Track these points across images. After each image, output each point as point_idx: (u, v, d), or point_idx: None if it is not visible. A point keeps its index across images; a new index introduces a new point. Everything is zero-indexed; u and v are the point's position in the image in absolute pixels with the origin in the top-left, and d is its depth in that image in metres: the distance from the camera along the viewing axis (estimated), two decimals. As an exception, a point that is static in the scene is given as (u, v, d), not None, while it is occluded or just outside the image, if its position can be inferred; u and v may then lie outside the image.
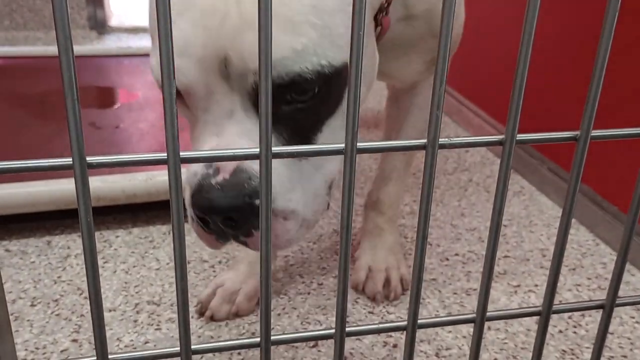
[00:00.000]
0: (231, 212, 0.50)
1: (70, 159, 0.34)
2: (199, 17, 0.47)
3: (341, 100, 0.53)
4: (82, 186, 0.34)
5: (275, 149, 0.35)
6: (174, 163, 0.35)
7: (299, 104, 0.50)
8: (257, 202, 0.50)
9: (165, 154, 0.34)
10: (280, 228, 0.53)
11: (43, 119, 1.34)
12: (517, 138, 0.39)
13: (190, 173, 0.52)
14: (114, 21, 2.53)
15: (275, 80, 0.48)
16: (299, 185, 0.53)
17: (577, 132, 0.40)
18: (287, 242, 0.55)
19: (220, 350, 0.41)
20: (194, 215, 0.53)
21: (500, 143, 0.39)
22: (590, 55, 1.11)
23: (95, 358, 0.38)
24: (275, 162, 0.51)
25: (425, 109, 0.87)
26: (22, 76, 1.62)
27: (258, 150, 0.35)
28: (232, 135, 0.50)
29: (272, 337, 0.40)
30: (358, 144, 0.36)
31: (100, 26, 2.44)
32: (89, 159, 0.34)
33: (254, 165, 0.50)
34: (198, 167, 0.51)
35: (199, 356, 0.77)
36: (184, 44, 0.48)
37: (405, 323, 0.43)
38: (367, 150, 0.37)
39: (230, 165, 0.50)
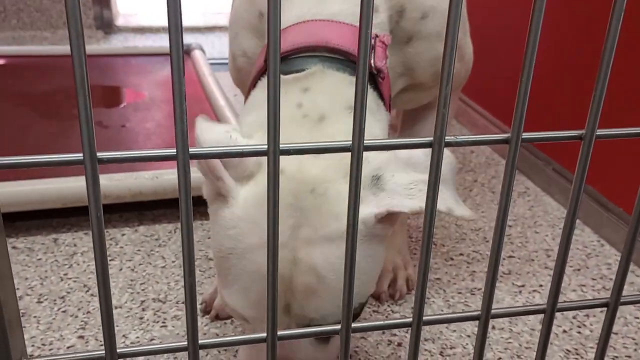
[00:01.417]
0: None
1: (81, 155, 0.34)
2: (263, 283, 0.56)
3: (361, 311, 0.64)
4: (93, 182, 0.35)
5: (283, 145, 0.36)
6: (183, 159, 0.35)
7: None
8: None
9: (175, 150, 0.35)
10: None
11: (49, 118, 1.35)
12: (523, 137, 0.39)
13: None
14: (120, 21, 2.54)
15: (323, 323, 0.59)
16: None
17: (583, 131, 0.40)
18: None
19: (227, 345, 0.41)
20: None
21: (506, 141, 0.39)
22: (596, 55, 1.11)
23: (103, 352, 0.39)
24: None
25: None
26: (28, 75, 1.63)
27: (266, 146, 0.36)
28: (290, 344, 0.60)
29: (278, 333, 0.40)
30: (365, 141, 0.36)
31: (106, 26, 2.45)
32: (99, 154, 0.34)
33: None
34: None
35: (204, 353, 0.77)
36: (256, 299, 0.57)
37: (410, 320, 0.43)
38: (374, 148, 0.37)
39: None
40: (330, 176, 0.57)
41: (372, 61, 0.67)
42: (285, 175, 0.56)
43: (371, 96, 0.66)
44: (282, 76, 0.67)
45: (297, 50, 0.66)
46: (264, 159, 0.59)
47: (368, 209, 0.56)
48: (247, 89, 0.72)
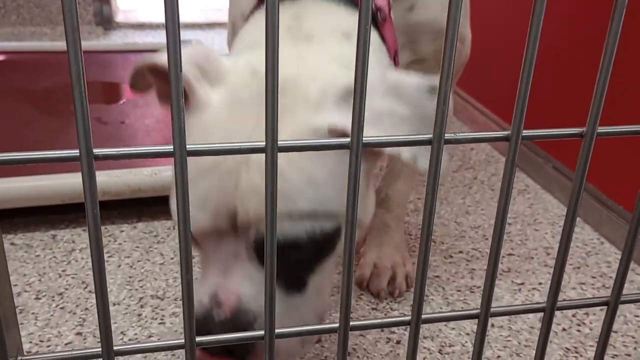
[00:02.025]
0: (230, 353, 0.56)
1: (77, 151, 0.34)
2: (217, 179, 0.54)
3: (334, 248, 0.58)
4: (89, 178, 0.34)
5: (282, 142, 0.35)
6: (180, 156, 0.35)
7: (293, 257, 0.56)
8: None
9: (172, 147, 0.35)
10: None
11: (48, 114, 1.34)
12: (523, 134, 0.39)
13: (197, 299, 0.57)
14: (120, 17, 2.53)
15: None
16: (288, 318, 0.58)
17: (584, 129, 0.40)
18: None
19: (224, 342, 0.41)
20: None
21: (506, 139, 0.39)
22: (597, 52, 1.11)
23: (100, 350, 0.39)
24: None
25: None
26: (28, 71, 1.63)
27: (264, 144, 0.35)
28: (236, 275, 0.56)
29: (276, 331, 0.40)
30: (363, 138, 0.36)
31: (106, 22, 2.45)
32: (96, 150, 0.34)
33: (252, 304, 0.55)
34: (204, 298, 0.56)
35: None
36: (203, 200, 0.55)
37: (409, 318, 0.43)
38: (373, 145, 0.37)
39: (230, 302, 0.56)
40: (303, 78, 0.55)
41: None
42: (258, 78, 0.55)
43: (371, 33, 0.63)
44: None
45: None
46: (237, 63, 0.58)
47: (323, 117, 0.53)
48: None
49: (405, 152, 0.53)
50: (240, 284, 0.56)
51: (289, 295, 0.58)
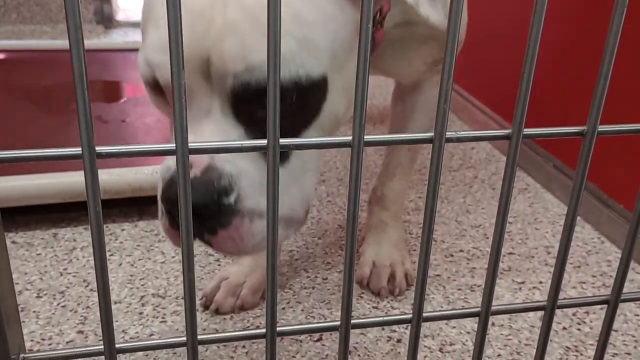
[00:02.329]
0: (198, 208, 0.50)
1: (80, 149, 0.34)
2: (188, 19, 0.48)
3: (318, 113, 0.54)
4: (91, 176, 0.35)
5: (283, 140, 0.35)
6: (182, 154, 0.35)
7: None
8: (226, 200, 0.51)
9: (174, 145, 0.35)
10: (245, 230, 0.53)
11: (49, 112, 1.34)
12: (524, 132, 0.39)
13: (164, 167, 0.53)
14: (120, 16, 2.53)
15: (252, 84, 0.50)
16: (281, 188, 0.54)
17: (584, 127, 0.40)
18: (251, 248, 0.54)
19: (226, 340, 0.41)
20: (163, 210, 0.54)
21: (507, 137, 0.39)
22: (598, 51, 1.11)
23: (102, 348, 0.39)
24: (246, 163, 0.52)
25: (430, 107, 0.87)
26: (28, 69, 1.63)
27: (266, 142, 0.35)
28: (208, 133, 0.51)
29: (277, 329, 0.40)
30: (365, 136, 0.36)
31: (107, 21, 2.45)
32: (98, 148, 0.34)
33: (225, 164, 0.51)
34: (172, 162, 0.52)
35: (204, 348, 0.77)
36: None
37: (410, 316, 0.43)
38: (374, 143, 0.37)
39: (203, 163, 0.51)
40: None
41: None
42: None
43: None
44: None
45: None
46: None
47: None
48: None
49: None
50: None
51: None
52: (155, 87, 0.55)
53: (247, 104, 0.51)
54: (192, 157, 0.49)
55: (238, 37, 0.49)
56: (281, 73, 0.48)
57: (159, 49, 0.51)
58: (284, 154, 0.55)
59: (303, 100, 0.52)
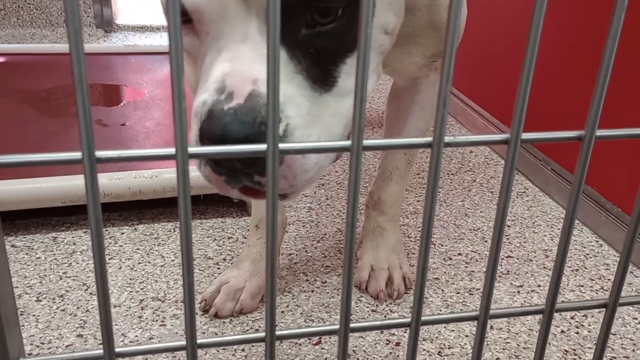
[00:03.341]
0: (247, 141, 0.44)
1: (80, 153, 0.34)
2: None
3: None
4: (91, 181, 0.35)
5: (283, 145, 0.36)
6: (182, 158, 0.35)
7: (321, 27, 0.47)
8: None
9: (173, 150, 0.35)
10: (298, 166, 0.48)
11: (48, 116, 1.34)
12: (522, 137, 0.39)
13: (198, 102, 0.48)
14: (120, 19, 2.53)
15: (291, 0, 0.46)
16: (317, 121, 0.50)
17: (582, 132, 0.40)
18: (305, 183, 0.50)
19: (225, 344, 0.41)
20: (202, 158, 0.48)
21: (505, 142, 0.39)
22: (596, 55, 1.11)
23: (102, 352, 0.39)
24: (292, 89, 0.48)
25: (426, 108, 0.86)
26: (28, 73, 1.63)
27: (265, 147, 0.35)
28: (248, 60, 0.47)
29: (277, 332, 0.40)
30: (364, 141, 0.36)
31: (106, 24, 2.45)
32: (98, 153, 0.34)
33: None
34: (208, 95, 0.47)
35: (203, 352, 0.77)
36: None
37: (408, 320, 0.43)
38: (373, 148, 0.37)
39: (245, 89, 0.46)
40: None
41: None
42: None
43: None
44: None
45: None
46: None
47: None
48: None
49: None
50: (253, 66, 0.46)
51: (317, 93, 0.49)
52: (182, 17, 0.49)
53: (286, 22, 0.46)
54: (232, 84, 0.45)
55: None
56: None
57: None
58: (329, 75, 0.49)
59: (351, 14, 0.48)
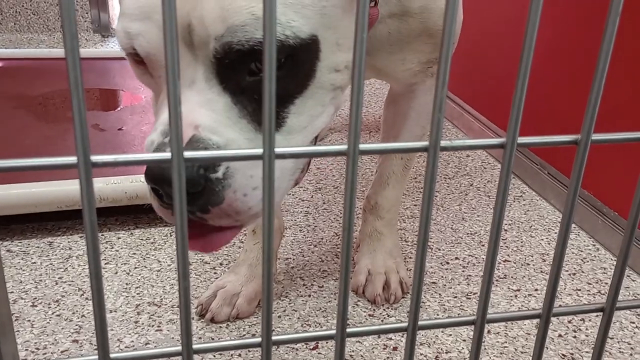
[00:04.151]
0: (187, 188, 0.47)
1: (75, 158, 0.34)
2: None
3: (311, 79, 0.52)
4: (87, 185, 0.35)
5: (278, 149, 0.35)
6: (177, 163, 0.35)
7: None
8: (213, 175, 0.48)
9: (169, 154, 0.35)
10: (239, 204, 0.50)
11: (45, 121, 1.34)
12: (519, 141, 0.39)
13: (148, 141, 0.50)
14: (117, 24, 2.53)
15: (235, 46, 0.47)
16: (259, 169, 0.50)
17: (578, 136, 0.40)
18: (249, 218, 0.52)
19: (221, 349, 0.41)
20: (149, 187, 0.51)
21: (501, 146, 0.39)
22: (592, 59, 1.11)
23: (97, 357, 0.39)
24: (234, 132, 0.49)
25: (422, 113, 0.86)
26: (25, 78, 1.63)
27: (261, 151, 0.35)
28: (193, 104, 0.49)
29: (273, 337, 0.40)
30: (360, 145, 0.36)
31: (104, 29, 2.45)
32: (94, 157, 0.34)
33: (211, 135, 0.49)
34: (155, 135, 0.49)
35: (199, 357, 0.77)
36: (147, 9, 0.47)
37: (405, 324, 0.43)
38: (370, 152, 0.37)
39: (186, 134, 0.48)
40: None
41: None
42: None
43: None
44: None
45: None
46: None
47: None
48: None
49: None
50: (196, 112, 0.48)
51: (258, 132, 0.51)
52: (136, 57, 0.52)
53: (231, 69, 0.49)
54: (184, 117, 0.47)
55: (217, 0, 0.47)
56: None
57: (137, 17, 0.49)
58: (278, 120, 0.52)
59: (294, 62, 0.50)
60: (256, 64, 0.49)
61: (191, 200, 0.49)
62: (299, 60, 0.50)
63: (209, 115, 0.48)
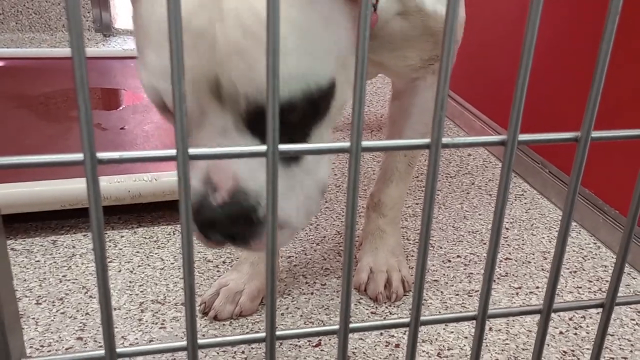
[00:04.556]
0: (231, 230, 0.53)
1: (81, 155, 0.35)
2: (189, 40, 0.48)
3: (325, 116, 0.55)
4: (93, 182, 0.35)
5: (282, 146, 0.36)
6: (182, 160, 0.35)
7: (288, 121, 0.52)
8: (255, 217, 0.52)
9: (175, 151, 0.35)
10: (280, 237, 0.55)
11: (47, 120, 1.35)
12: (519, 138, 0.39)
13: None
14: (119, 23, 2.54)
15: (262, 105, 0.49)
16: (289, 193, 0.55)
17: (578, 133, 0.41)
18: (280, 246, 0.58)
19: (226, 344, 0.41)
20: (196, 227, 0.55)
21: (502, 143, 0.39)
22: (592, 56, 1.12)
23: (103, 352, 0.39)
24: (264, 170, 0.52)
25: (425, 111, 0.86)
26: (27, 77, 1.63)
27: (265, 148, 0.36)
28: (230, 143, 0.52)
29: (277, 333, 0.41)
30: (363, 142, 0.37)
31: (105, 28, 2.46)
32: (99, 154, 0.35)
33: (249, 183, 0.52)
34: (195, 181, 0.52)
35: (203, 354, 0.77)
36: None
37: (407, 320, 0.43)
38: (372, 149, 0.38)
39: (228, 185, 0.51)
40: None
41: None
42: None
43: None
44: None
45: None
46: None
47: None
48: None
49: None
50: (234, 161, 0.51)
51: (287, 168, 0.55)
52: (164, 107, 0.55)
53: (262, 121, 0.51)
54: (216, 179, 0.52)
55: (244, 60, 0.48)
56: (291, 90, 0.49)
57: (164, 75, 0.51)
58: (298, 157, 0.55)
59: (315, 107, 0.53)
60: (285, 114, 0.50)
61: (236, 238, 0.54)
62: (317, 105, 0.53)
63: (245, 164, 0.51)
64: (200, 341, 0.40)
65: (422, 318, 0.43)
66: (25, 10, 2.39)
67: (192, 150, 0.36)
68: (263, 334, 0.40)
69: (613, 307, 0.47)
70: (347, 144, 0.37)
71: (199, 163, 0.52)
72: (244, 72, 0.48)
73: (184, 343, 0.40)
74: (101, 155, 0.35)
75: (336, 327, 0.42)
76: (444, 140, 0.38)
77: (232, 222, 0.52)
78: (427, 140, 0.38)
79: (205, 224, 0.53)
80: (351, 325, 0.42)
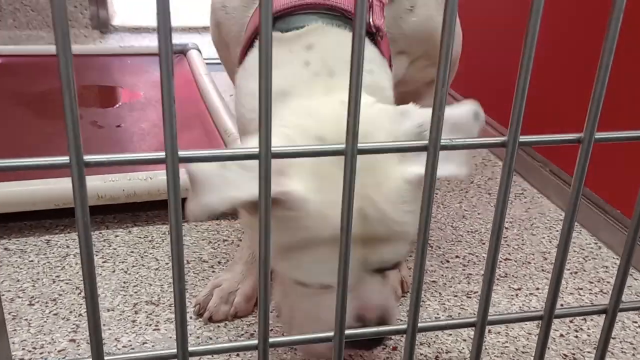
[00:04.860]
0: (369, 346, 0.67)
1: (68, 158, 0.34)
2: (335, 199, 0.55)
3: None
4: (79, 185, 0.34)
5: (275, 148, 0.35)
6: (172, 162, 0.34)
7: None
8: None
9: (164, 153, 0.34)
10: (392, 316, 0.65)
11: (45, 118, 1.34)
12: (520, 140, 0.38)
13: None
14: (116, 20, 2.52)
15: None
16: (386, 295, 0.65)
17: (581, 134, 0.40)
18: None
19: (217, 352, 0.40)
20: None
21: (502, 145, 0.38)
22: (595, 57, 1.10)
23: (90, 359, 0.38)
24: (389, 292, 0.65)
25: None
26: (24, 75, 1.62)
27: (257, 150, 0.35)
28: (372, 291, 0.61)
29: (270, 340, 0.40)
30: (358, 144, 0.36)
31: (103, 25, 2.44)
32: (87, 157, 0.34)
33: (390, 311, 0.63)
34: (349, 320, 0.59)
35: (196, 358, 0.76)
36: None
37: (405, 326, 0.42)
38: (368, 151, 0.37)
39: (379, 318, 0.62)
40: (366, 127, 0.52)
41: (370, 20, 0.67)
42: (328, 141, 0.55)
43: (373, 52, 0.66)
44: (281, 34, 0.65)
45: (295, 8, 0.65)
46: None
47: (414, 168, 0.56)
48: (237, 52, 0.71)
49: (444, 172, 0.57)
50: (379, 299, 0.62)
51: (384, 279, 0.65)
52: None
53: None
54: (366, 315, 0.62)
55: (392, 244, 0.60)
56: (407, 251, 0.63)
57: (326, 273, 0.60)
58: (384, 271, 0.64)
59: None
60: None
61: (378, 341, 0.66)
62: None
63: (386, 299, 0.63)
64: (191, 348, 0.39)
65: (419, 324, 0.42)
66: (23, 7, 2.37)
67: (181, 153, 0.35)
68: (255, 341, 0.39)
69: (616, 313, 0.46)
70: (342, 147, 0.36)
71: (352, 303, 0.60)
72: (390, 255, 0.61)
73: (174, 350, 0.39)
74: (88, 158, 0.34)
75: (331, 334, 0.41)
76: (443, 141, 0.37)
77: (374, 343, 0.65)
78: (425, 142, 0.37)
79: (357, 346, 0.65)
80: (347, 332, 0.41)
